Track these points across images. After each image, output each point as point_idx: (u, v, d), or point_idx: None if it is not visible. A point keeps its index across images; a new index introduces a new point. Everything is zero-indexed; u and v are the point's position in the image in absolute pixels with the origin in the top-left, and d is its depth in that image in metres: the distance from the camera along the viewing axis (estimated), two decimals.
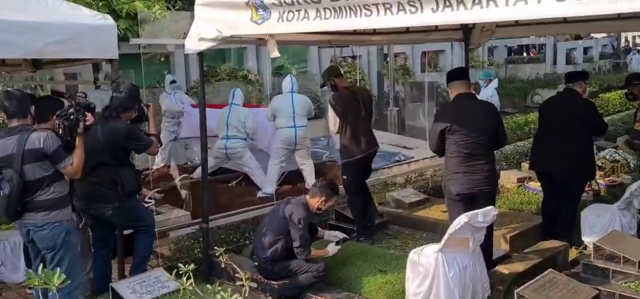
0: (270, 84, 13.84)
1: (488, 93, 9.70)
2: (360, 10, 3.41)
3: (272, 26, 3.96)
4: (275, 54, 4.13)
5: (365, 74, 15.91)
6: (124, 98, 4.32)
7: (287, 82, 7.91)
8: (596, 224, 5.33)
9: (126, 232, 4.61)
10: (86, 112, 3.76)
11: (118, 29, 5.97)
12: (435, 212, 6.30)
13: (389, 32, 5.87)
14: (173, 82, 9.01)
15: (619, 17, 5.04)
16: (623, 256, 4.37)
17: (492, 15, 2.84)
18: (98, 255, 4.50)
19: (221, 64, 14.14)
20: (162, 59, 12.74)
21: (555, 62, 23.70)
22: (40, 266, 2.33)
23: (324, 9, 3.61)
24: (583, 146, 5.42)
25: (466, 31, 6.26)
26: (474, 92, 4.73)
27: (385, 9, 3.28)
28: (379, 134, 10.48)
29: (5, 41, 3.82)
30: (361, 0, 3.34)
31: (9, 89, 5.28)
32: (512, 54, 25.48)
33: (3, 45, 3.83)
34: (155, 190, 6.84)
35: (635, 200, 5.40)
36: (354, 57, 15.33)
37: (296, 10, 3.78)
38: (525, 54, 26.04)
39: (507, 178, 7.91)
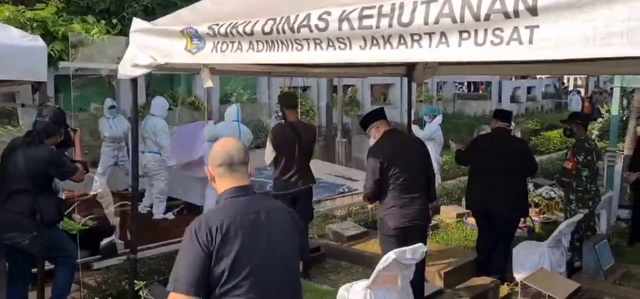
0: (218, 112, 13.71)
1: (433, 128, 9.86)
2: (292, 45, 3.41)
3: (206, 56, 3.91)
4: (209, 84, 4.08)
5: (314, 104, 15.99)
6: (48, 123, 4.16)
7: (233, 111, 7.89)
8: (527, 261, 5.43)
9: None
10: None
11: (53, 51, 5.81)
12: (373, 246, 6.29)
13: (332, 65, 5.91)
14: (112, 107, 8.83)
15: (557, 60, 5.26)
16: (548, 295, 4.47)
17: (416, 55, 2.88)
18: (14, 288, 4.26)
19: (169, 89, 13.94)
20: (108, 84, 12.44)
21: (500, 100, 24.46)
22: None
23: (257, 41, 3.59)
24: (519, 184, 5.56)
25: (409, 67, 6.35)
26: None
27: (316, 44, 3.28)
28: (325, 166, 10.55)
29: None
30: (292, 35, 3.34)
31: None
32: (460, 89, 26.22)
33: None
34: (88, 217, 6.59)
35: (564, 238, 5.55)
36: (304, 89, 15.40)
37: (230, 42, 3.76)
38: (472, 90, 26.79)
39: (447, 213, 8.03)
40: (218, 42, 3.82)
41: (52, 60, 5.56)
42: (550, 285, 4.61)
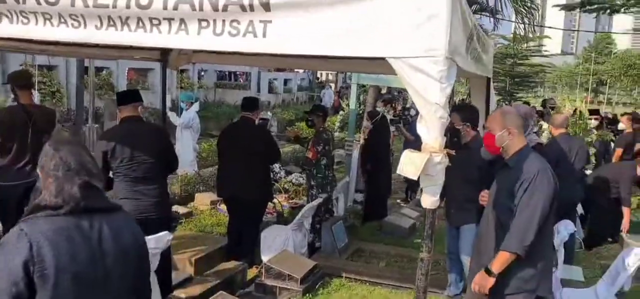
0: None
1: (190, 116, 9.78)
2: (17, 17, 3.04)
3: None
4: None
5: (62, 85, 14.60)
6: None
7: None
8: (273, 243, 5.75)
9: None
10: None
11: None
12: None
13: (75, 44, 5.42)
14: None
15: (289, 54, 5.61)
16: (288, 274, 4.80)
17: (155, 40, 2.82)
18: None
19: None
20: None
21: (259, 90, 25.47)
22: None
23: None
24: (262, 170, 5.82)
25: (164, 52, 6.17)
26: (141, 116, 4.65)
27: (45, 19, 2.98)
28: None
29: None
30: (17, 6, 2.97)
31: None
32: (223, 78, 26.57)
33: None
34: None
35: (305, 221, 6.01)
36: (49, 68, 13.96)
37: None
38: (232, 80, 27.35)
39: (201, 201, 8.08)
40: None
41: None
42: (291, 265, 4.96)
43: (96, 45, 5.06)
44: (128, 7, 2.75)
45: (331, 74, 35.74)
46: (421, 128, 2.47)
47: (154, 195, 4.37)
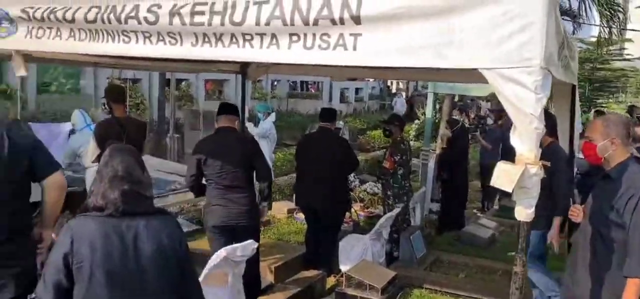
0: (35, 102, 12.52)
1: (266, 126, 9.98)
2: (118, 36, 3.24)
3: (18, 42, 3.57)
4: (22, 72, 3.71)
5: (145, 98, 15.31)
6: None
7: (79, 119, 6.92)
8: (352, 253, 5.78)
9: None
10: None
11: None
12: (206, 244, 6.22)
13: (163, 59, 5.70)
14: None
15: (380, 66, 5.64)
16: (369, 284, 4.80)
17: (248, 55, 2.91)
18: None
19: None
20: None
21: (331, 99, 25.62)
22: None
23: (79, 29, 3.36)
24: (338, 180, 5.87)
25: (243, 64, 6.36)
26: (236, 127, 4.84)
27: (145, 37, 3.16)
28: (155, 161, 10.15)
29: None
30: (119, 26, 3.17)
31: None
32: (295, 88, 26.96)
33: None
34: None
35: (384, 231, 6.00)
36: (134, 81, 14.68)
37: (47, 27, 3.47)
38: (305, 90, 27.69)
39: (278, 209, 8.23)
40: (33, 27, 3.51)
41: None
42: (371, 275, 4.96)
43: (184, 60, 5.37)
44: (222, 24, 2.86)
45: (402, 82, 35.44)
46: (515, 139, 2.41)
47: (243, 203, 4.53)
